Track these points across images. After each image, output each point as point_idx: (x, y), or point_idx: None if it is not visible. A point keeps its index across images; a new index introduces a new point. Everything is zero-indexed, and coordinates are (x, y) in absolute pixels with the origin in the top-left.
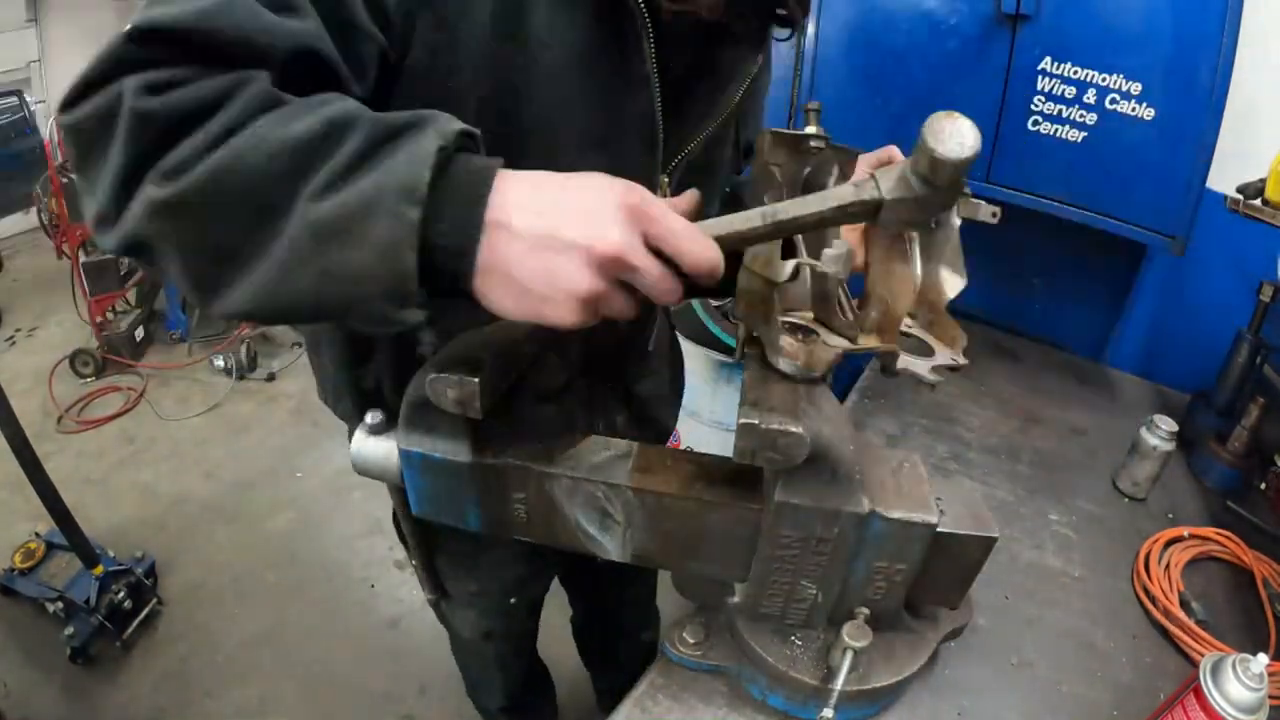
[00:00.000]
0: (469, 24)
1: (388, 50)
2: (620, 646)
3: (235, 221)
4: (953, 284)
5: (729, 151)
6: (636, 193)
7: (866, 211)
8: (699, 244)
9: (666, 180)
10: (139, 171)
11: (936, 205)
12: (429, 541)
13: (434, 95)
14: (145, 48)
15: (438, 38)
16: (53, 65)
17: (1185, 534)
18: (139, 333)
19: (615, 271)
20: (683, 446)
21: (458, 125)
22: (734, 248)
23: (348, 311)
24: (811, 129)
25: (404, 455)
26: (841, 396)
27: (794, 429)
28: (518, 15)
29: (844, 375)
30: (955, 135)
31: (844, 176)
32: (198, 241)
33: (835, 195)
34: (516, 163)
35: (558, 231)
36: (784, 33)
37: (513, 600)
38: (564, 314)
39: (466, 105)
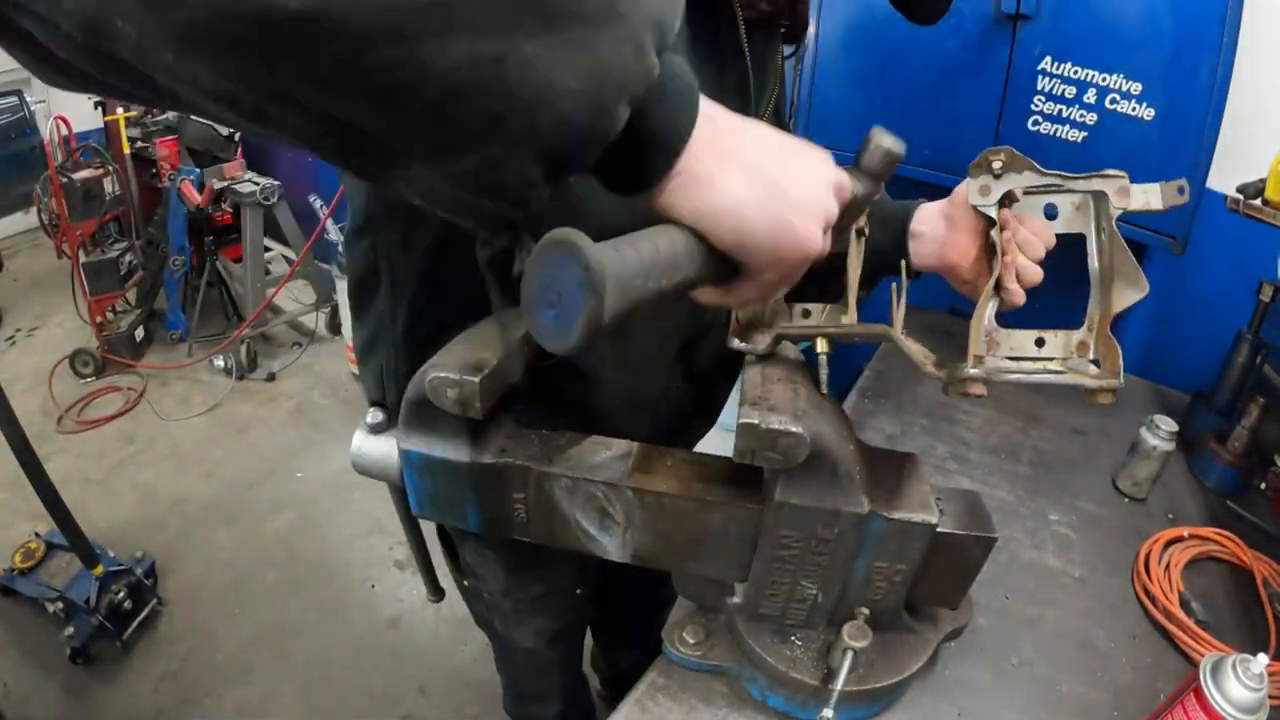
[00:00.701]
0: None
1: None
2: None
3: None
4: (1126, 296)
5: None
6: (839, 172)
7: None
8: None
9: None
10: None
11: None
12: (449, 542)
13: None
14: None
15: None
16: None
17: (1185, 534)
18: (139, 333)
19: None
20: None
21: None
22: None
23: (534, 123)
24: None
25: (404, 455)
26: (841, 396)
27: (794, 429)
28: None
29: (844, 375)
30: (894, 138)
31: None
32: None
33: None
34: None
35: (797, 183)
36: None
37: (579, 591)
38: (813, 234)
39: None
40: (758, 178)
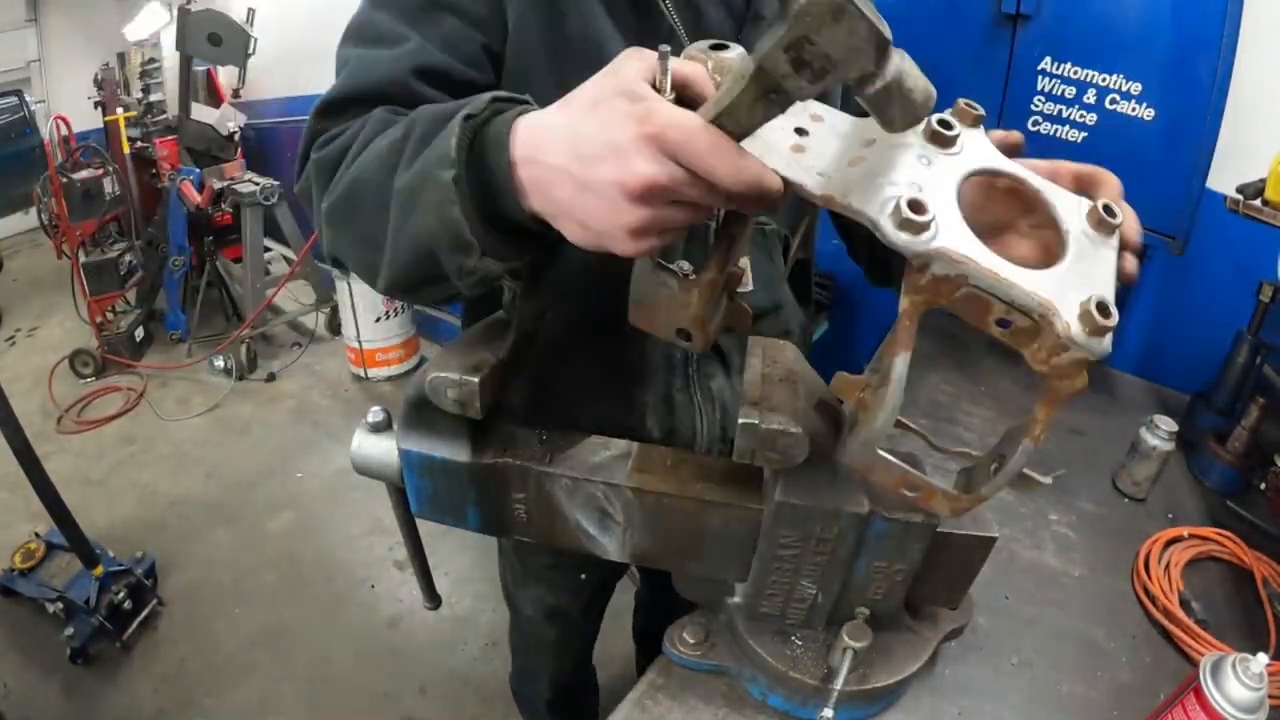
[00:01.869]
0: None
1: (492, 44)
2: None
3: (366, 214)
4: None
5: None
6: (654, 118)
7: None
8: (731, 163)
9: None
10: (322, 200)
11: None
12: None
13: (524, 73)
14: (318, 120)
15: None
16: (53, 65)
17: (1185, 534)
18: (139, 333)
19: (656, 198)
20: None
21: (496, 94)
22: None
23: (437, 268)
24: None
25: (404, 455)
26: None
27: (794, 429)
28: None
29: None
30: None
31: None
32: (352, 237)
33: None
34: None
35: (590, 170)
36: None
37: (583, 576)
38: (625, 248)
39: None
40: (573, 224)
